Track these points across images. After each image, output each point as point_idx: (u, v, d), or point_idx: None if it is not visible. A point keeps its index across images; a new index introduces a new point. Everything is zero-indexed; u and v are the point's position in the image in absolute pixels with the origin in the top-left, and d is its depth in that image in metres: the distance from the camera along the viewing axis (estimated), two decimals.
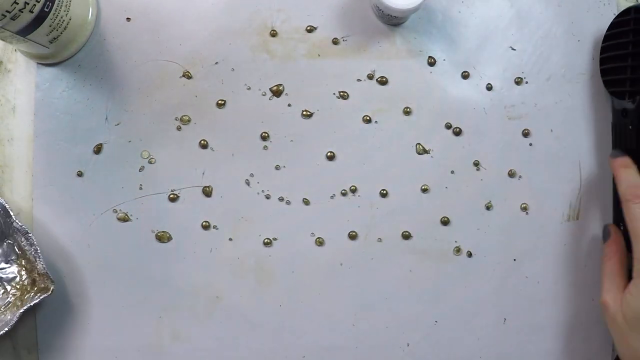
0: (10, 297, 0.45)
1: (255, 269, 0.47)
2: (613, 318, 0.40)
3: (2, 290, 0.45)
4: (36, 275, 0.44)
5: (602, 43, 0.46)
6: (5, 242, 0.45)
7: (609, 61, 0.45)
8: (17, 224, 0.43)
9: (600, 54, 0.46)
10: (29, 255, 0.43)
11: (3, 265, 0.45)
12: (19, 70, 0.47)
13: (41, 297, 0.42)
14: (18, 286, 0.45)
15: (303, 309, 0.47)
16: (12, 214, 0.43)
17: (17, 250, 0.45)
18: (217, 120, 0.47)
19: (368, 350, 0.47)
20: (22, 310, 0.42)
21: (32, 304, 0.42)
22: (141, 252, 0.47)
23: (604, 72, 0.46)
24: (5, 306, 0.45)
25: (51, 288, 0.42)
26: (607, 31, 0.45)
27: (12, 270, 0.45)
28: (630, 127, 0.43)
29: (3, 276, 0.45)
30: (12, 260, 0.45)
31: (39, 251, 0.43)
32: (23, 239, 0.43)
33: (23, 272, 0.45)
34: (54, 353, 0.47)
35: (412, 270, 0.48)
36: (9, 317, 0.43)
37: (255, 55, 0.47)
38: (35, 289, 0.44)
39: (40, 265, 0.43)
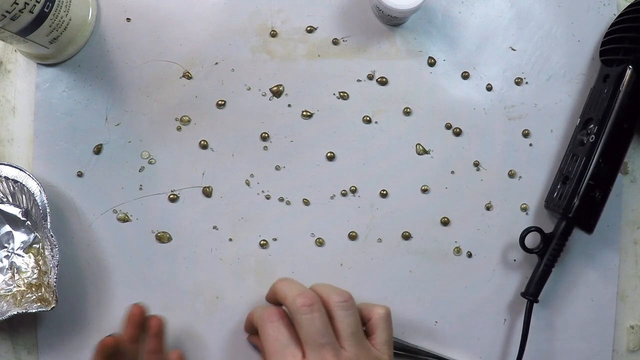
0: (14, 287, 0.45)
1: (256, 269, 0.47)
2: None
3: (10, 276, 0.45)
4: (45, 283, 0.44)
5: (616, 18, 0.47)
6: (33, 234, 0.45)
7: (613, 33, 0.46)
8: (50, 232, 0.43)
9: (610, 27, 0.47)
10: (47, 262, 0.43)
11: (22, 253, 0.45)
12: (19, 71, 0.47)
13: (40, 309, 0.42)
14: (25, 281, 0.45)
15: None
16: (48, 219, 0.43)
17: (40, 249, 0.45)
18: (217, 121, 0.47)
19: None
20: (18, 312, 0.42)
21: (29, 311, 0.42)
22: (141, 253, 0.47)
23: (604, 43, 0.47)
24: (7, 293, 0.44)
25: (52, 305, 0.42)
26: (625, 8, 0.46)
27: (26, 262, 0.45)
28: (605, 91, 0.44)
29: (17, 262, 0.45)
30: (31, 254, 0.45)
31: (57, 265, 0.42)
32: (48, 246, 0.43)
33: (35, 271, 0.45)
34: (54, 353, 0.47)
35: (412, 270, 0.48)
36: (5, 307, 0.43)
37: (255, 55, 0.47)
38: (39, 294, 0.44)
39: (52, 279, 0.42)
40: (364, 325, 0.41)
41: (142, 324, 0.42)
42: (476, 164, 0.48)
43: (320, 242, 0.47)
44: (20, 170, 0.44)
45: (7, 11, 0.36)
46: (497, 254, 0.48)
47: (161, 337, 0.43)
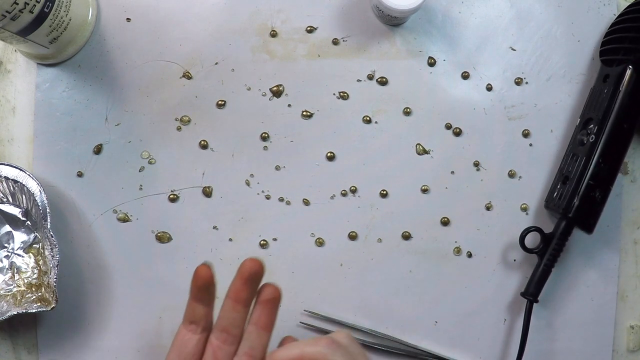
0: (14, 287, 0.45)
1: None
2: None
3: (10, 276, 0.45)
4: (45, 283, 0.44)
5: (616, 18, 0.47)
6: (33, 234, 0.45)
7: (613, 33, 0.46)
8: (50, 232, 0.43)
9: (610, 27, 0.47)
10: (47, 262, 0.43)
11: (22, 253, 0.46)
12: (19, 71, 0.47)
13: (40, 309, 0.42)
14: (25, 281, 0.45)
15: (303, 309, 0.47)
16: (48, 219, 0.43)
17: (40, 249, 0.45)
18: (217, 121, 0.47)
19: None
20: (18, 312, 0.42)
21: (29, 311, 0.42)
22: (141, 252, 0.47)
23: (604, 43, 0.47)
24: (7, 293, 0.44)
25: (52, 305, 0.42)
26: (625, 8, 0.46)
27: (27, 262, 0.45)
28: (605, 91, 0.44)
29: (17, 262, 0.45)
30: (31, 254, 0.45)
31: (57, 265, 0.42)
32: (48, 246, 0.43)
33: (35, 271, 0.45)
34: (54, 353, 0.47)
35: (412, 270, 0.48)
36: (5, 307, 0.43)
37: (255, 55, 0.47)
38: (39, 294, 0.44)
39: (52, 279, 0.42)
40: None
41: (255, 285, 0.35)
42: (476, 164, 0.48)
43: (320, 242, 0.47)
44: (20, 170, 0.44)
45: (7, 11, 0.36)
46: (497, 254, 0.48)
47: (273, 310, 0.36)
